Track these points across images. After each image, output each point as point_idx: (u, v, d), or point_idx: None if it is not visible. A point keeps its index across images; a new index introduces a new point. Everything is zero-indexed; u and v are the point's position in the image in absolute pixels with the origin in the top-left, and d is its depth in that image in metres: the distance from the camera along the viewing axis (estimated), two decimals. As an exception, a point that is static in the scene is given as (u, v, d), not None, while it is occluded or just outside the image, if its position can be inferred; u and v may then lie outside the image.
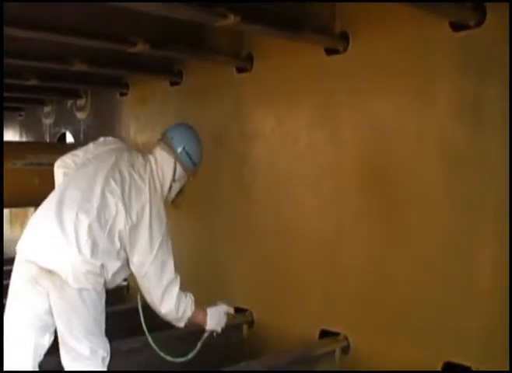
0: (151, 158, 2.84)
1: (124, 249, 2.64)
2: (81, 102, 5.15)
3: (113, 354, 2.89)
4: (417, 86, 2.72)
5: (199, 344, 2.94)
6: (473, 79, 2.51)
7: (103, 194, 2.60)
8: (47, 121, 5.66)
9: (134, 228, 2.63)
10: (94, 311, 2.53)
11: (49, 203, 2.60)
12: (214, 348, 3.33)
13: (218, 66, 3.70)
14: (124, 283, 4.54)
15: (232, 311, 3.04)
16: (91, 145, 2.88)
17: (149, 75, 4.24)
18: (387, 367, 2.80)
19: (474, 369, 2.53)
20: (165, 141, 2.89)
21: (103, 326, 2.60)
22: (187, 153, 2.87)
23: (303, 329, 3.22)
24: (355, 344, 3.01)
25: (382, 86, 2.86)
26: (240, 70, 3.61)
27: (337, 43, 3.01)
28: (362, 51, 2.94)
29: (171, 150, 2.84)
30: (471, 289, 2.54)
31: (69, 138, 5.42)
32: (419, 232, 2.73)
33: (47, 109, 5.69)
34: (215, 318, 2.92)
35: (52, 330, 2.57)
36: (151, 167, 2.80)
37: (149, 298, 2.75)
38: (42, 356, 2.58)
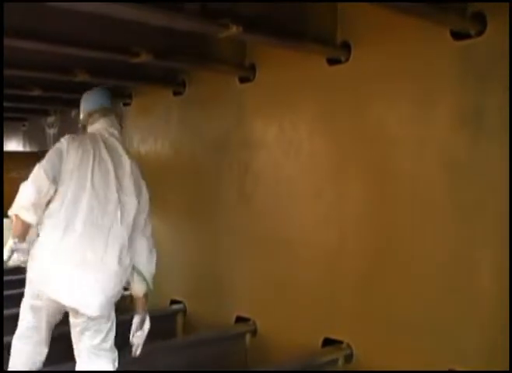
0: (105, 133, 3.02)
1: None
2: (84, 112, 5.16)
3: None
4: (418, 95, 2.74)
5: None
6: (473, 88, 2.52)
7: (117, 204, 2.81)
8: (51, 131, 5.69)
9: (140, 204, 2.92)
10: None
11: (65, 239, 2.68)
12: (217, 357, 3.35)
13: (221, 76, 3.72)
14: (127, 292, 4.55)
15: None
16: (64, 154, 2.83)
17: (153, 85, 4.26)
18: (391, 376, 2.80)
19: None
20: (100, 111, 3.12)
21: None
22: (113, 102, 3.24)
23: (306, 338, 3.21)
24: (358, 352, 3.01)
25: (383, 95, 2.87)
26: (242, 80, 3.63)
27: (339, 52, 3.03)
28: (363, 61, 2.95)
29: (110, 111, 3.14)
30: (474, 297, 2.54)
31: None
32: (420, 240, 2.74)
33: (50, 119, 5.71)
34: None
35: None
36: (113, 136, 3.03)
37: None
38: None
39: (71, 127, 5.32)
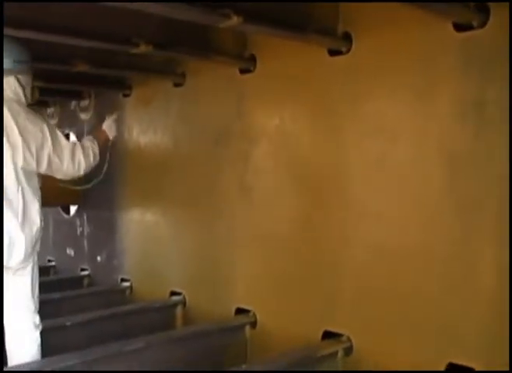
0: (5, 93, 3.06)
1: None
2: (84, 103, 5.14)
3: (116, 355, 2.92)
4: (419, 87, 2.72)
5: (107, 160, 3.73)
6: (475, 80, 2.51)
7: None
8: (51, 122, 5.63)
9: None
10: None
11: None
12: (216, 349, 3.35)
13: (221, 67, 3.70)
14: (127, 283, 4.56)
15: (117, 113, 3.85)
16: None
17: (152, 76, 4.24)
18: (390, 369, 2.79)
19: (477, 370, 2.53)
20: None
21: None
22: (19, 61, 3.09)
23: (306, 330, 3.21)
24: (358, 345, 3.00)
25: (385, 87, 2.85)
26: (242, 71, 3.60)
27: (340, 43, 3.01)
28: (365, 52, 2.93)
29: (7, 71, 3.06)
30: (474, 290, 2.54)
31: (73, 139, 5.42)
32: (420, 234, 2.73)
33: (50, 110, 5.69)
34: (112, 128, 3.67)
35: None
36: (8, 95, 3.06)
37: (68, 173, 3.29)
38: None
39: (71, 118, 5.33)
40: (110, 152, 3.75)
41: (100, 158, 3.48)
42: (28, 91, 3.20)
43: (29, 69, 3.18)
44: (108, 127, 3.65)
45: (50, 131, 3.12)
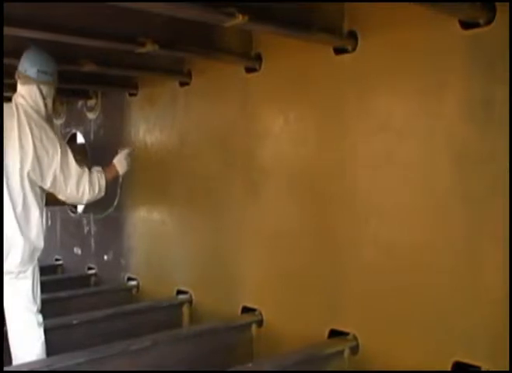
0: (19, 99, 3.13)
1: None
2: (91, 102, 5.16)
3: (122, 354, 2.93)
4: (426, 85, 2.71)
5: (118, 194, 3.68)
6: (482, 78, 2.49)
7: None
8: (58, 122, 5.67)
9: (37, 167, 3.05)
10: None
11: None
12: (223, 347, 3.36)
13: (227, 66, 3.70)
14: (134, 282, 4.58)
15: (130, 149, 3.77)
16: None
17: (159, 76, 4.25)
18: (396, 367, 2.79)
19: (483, 369, 2.52)
20: (21, 76, 3.16)
21: None
22: (43, 72, 3.16)
23: (312, 329, 3.21)
24: (364, 344, 3.00)
25: (391, 85, 2.85)
26: (248, 70, 3.61)
27: (345, 42, 3.00)
28: (371, 50, 2.93)
29: (30, 80, 3.15)
30: (481, 289, 2.53)
31: (80, 139, 5.45)
32: (427, 232, 2.72)
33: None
34: (123, 164, 3.57)
35: None
36: (23, 107, 3.10)
37: (70, 198, 3.27)
38: None
39: (78, 118, 5.34)
40: (121, 187, 3.66)
41: (111, 192, 3.46)
42: (49, 102, 3.24)
43: (52, 81, 3.24)
44: (119, 162, 3.57)
45: (62, 150, 3.13)
